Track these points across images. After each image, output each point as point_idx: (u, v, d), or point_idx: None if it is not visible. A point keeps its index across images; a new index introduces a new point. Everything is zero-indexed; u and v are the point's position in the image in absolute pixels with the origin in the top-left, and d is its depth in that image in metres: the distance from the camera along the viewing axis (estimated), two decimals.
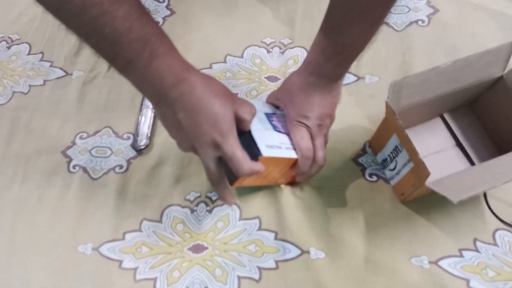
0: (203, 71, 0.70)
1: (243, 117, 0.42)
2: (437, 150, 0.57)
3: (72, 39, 0.76)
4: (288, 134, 0.50)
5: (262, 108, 0.51)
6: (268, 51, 0.71)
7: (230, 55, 0.71)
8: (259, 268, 0.53)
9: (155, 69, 0.36)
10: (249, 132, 0.45)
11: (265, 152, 0.44)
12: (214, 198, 0.59)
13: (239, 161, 0.41)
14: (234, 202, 0.50)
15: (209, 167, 0.44)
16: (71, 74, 0.72)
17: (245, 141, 0.43)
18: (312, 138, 0.49)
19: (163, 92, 0.38)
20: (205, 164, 0.44)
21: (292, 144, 0.50)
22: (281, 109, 0.53)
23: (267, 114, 0.51)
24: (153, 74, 0.36)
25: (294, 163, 0.50)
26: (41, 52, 0.75)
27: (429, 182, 0.44)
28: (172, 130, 0.42)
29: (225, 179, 0.47)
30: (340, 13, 0.41)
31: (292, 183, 0.58)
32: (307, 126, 0.49)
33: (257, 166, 0.43)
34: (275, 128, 0.49)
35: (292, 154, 0.49)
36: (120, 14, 0.32)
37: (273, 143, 0.47)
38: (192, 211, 0.58)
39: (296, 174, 0.53)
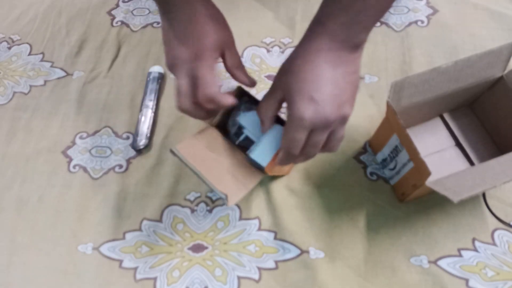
0: None
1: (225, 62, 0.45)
2: (437, 150, 0.58)
3: (72, 40, 0.76)
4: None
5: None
6: (268, 51, 0.71)
7: None
8: (259, 268, 0.53)
9: None
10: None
11: None
12: (214, 198, 0.59)
13: (206, 83, 0.40)
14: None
15: (180, 84, 0.42)
16: (72, 74, 0.72)
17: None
18: (312, 133, 0.38)
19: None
20: (177, 81, 0.43)
21: None
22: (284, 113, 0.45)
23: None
24: None
25: None
26: (42, 53, 0.76)
27: (430, 181, 0.44)
28: (165, 41, 0.43)
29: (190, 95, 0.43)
30: None
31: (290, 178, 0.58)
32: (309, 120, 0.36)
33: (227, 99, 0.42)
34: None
35: None
36: None
37: None
38: (192, 211, 0.58)
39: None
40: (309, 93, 0.35)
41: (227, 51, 0.45)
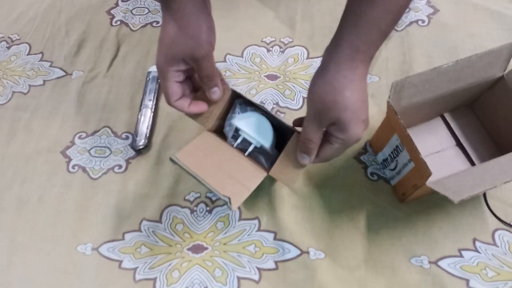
0: None
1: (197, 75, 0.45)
2: (437, 150, 0.57)
3: (71, 39, 0.76)
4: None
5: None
6: (268, 50, 0.71)
7: (230, 54, 0.71)
8: (259, 269, 0.53)
9: None
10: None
11: None
12: (214, 198, 0.58)
13: (166, 96, 0.44)
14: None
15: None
16: (71, 74, 0.72)
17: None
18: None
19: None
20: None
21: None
22: (333, 134, 0.41)
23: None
24: None
25: None
26: (41, 52, 0.75)
27: (430, 182, 0.44)
28: None
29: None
30: None
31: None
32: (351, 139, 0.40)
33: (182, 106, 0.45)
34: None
35: None
36: None
37: None
38: (192, 211, 0.58)
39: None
40: (361, 117, 0.39)
41: (199, 62, 0.43)
